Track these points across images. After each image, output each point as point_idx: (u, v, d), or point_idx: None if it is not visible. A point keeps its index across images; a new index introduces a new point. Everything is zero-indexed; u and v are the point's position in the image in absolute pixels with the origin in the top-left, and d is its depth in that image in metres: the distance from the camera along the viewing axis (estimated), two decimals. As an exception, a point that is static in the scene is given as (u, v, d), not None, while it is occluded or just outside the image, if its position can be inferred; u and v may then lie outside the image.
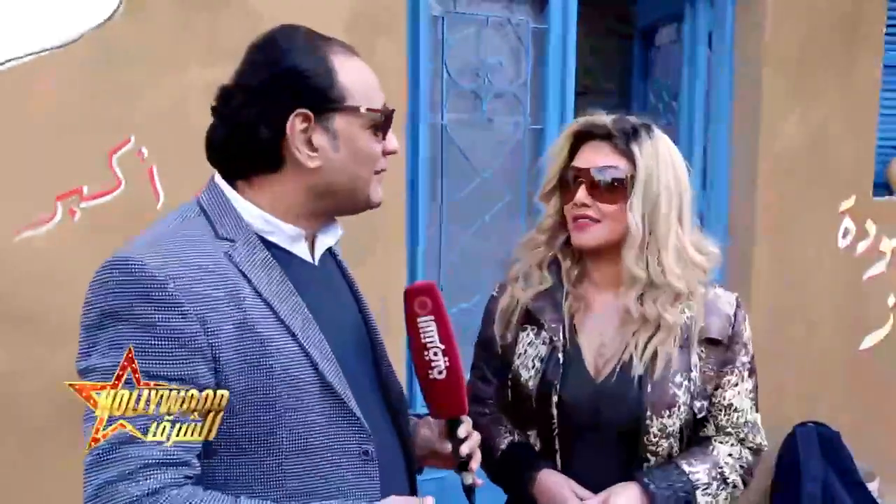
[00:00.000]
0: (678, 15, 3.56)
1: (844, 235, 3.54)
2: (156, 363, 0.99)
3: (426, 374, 1.23)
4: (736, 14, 3.39)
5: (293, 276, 1.13)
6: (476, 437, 1.29)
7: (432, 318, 1.22)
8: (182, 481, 0.99)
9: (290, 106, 1.09)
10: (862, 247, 3.59)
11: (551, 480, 1.42)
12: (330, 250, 1.26)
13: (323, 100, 1.10)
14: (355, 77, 1.13)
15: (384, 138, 1.17)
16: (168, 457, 0.99)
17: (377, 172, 1.18)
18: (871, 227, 3.59)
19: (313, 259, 1.20)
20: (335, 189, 1.15)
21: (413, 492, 1.30)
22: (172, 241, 1.06)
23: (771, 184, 3.36)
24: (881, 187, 3.72)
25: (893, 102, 3.72)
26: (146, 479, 0.97)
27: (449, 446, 1.27)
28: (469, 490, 1.26)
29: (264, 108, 1.09)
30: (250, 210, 1.12)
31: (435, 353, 1.22)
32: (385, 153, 1.18)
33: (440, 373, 1.22)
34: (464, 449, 1.25)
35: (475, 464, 1.27)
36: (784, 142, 3.36)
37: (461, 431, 1.26)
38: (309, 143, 1.10)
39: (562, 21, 3.08)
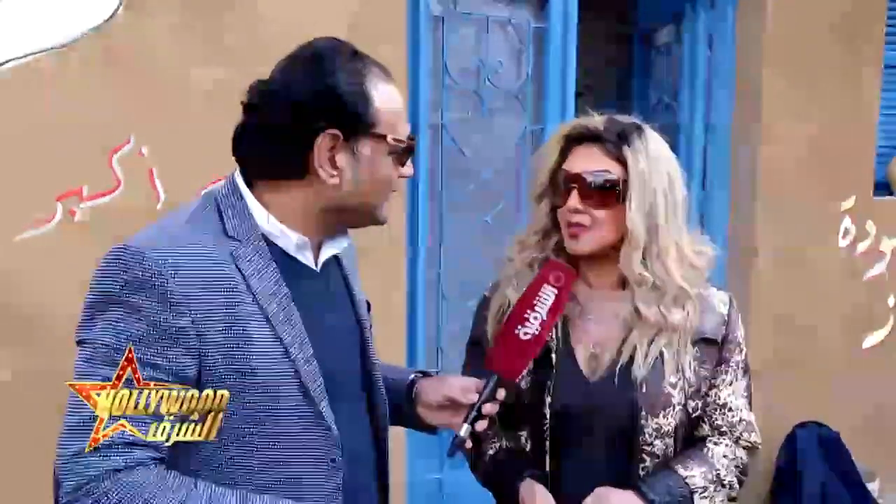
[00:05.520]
0: (678, 15, 3.57)
1: (844, 235, 3.54)
2: (145, 350, 1.03)
3: (513, 329, 1.31)
4: (736, 14, 3.40)
5: (292, 280, 1.15)
6: (496, 406, 1.32)
7: (556, 292, 1.31)
8: (148, 461, 1.03)
9: (322, 124, 1.11)
10: (862, 247, 3.59)
11: (537, 491, 1.40)
12: (336, 257, 1.28)
13: (354, 124, 1.13)
14: (387, 105, 1.15)
15: (403, 165, 1.20)
16: (138, 438, 1.02)
17: (390, 193, 1.22)
18: (871, 227, 3.59)
19: (316, 265, 1.22)
20: (347, 207, 1.18)
21: (385, 498, 1.34)
22: (178, 234, 1.09)
23: (771, 184, 3.36)
24: (881, 187, 3.73)
25: (893, 102, 3.73)
26: (115, 456, 1.01)
27: (475, 398, 1.29)
28: (458, 444, 1.28)
29: (297, 121, 1.11)
30: (261, 213, 1.15)
31: (535, 318, 1.30)
32: (400, 177, 1.21)
33: (526, 335, 1.30)
34: (486, 407, 1.28)
35: (481, 426, 1.29)
36: (784, 142, 3.36)
37: (500, 393, 1.30)
38: (332, 161, 1.13)
39: (562, 21, 3.08)
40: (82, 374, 1.03)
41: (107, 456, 1.00)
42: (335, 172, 1.13)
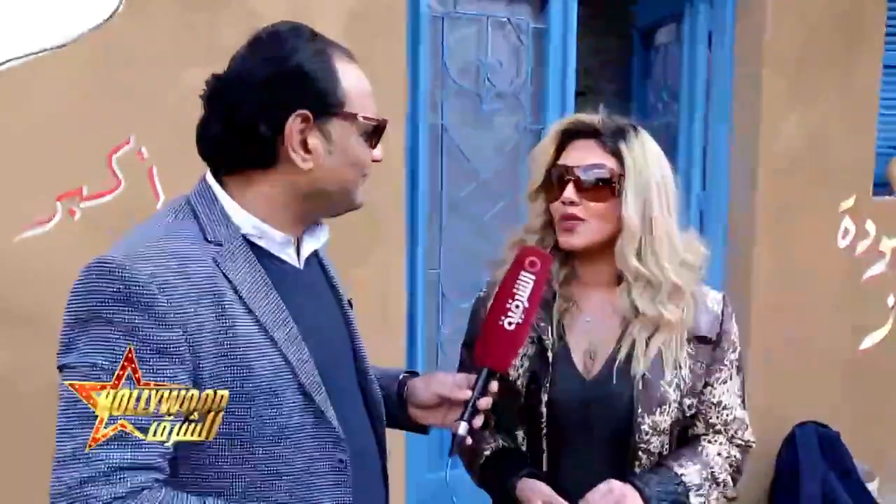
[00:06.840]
0: (678, 15, 3.57)
1: (844, 235, 3.54)
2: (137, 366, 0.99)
3: (496, 320, 1.30)
4: (736, 14, 3.40)
5: (278, 280, 1.12)
6: (490, 400, 1.31)
7: (534, 278, 1.30)
8: (152, 484, 0.99)
9: (291, 105, 1.08)
10: (862, 247, 3.59)
11: (535, 485, 1.40)
12: (315, 253, 1.25)
13: (324, 103, 1.10)
14: (355, 84, 1.13)
15: (374, 147, 1.18)
16: (139, 461, 0.98)
17: (362, 177, 1.19)
18: (871, 227, 3.59)
19: (299, 262, 1.20)
20: (323, 191, 1.15)
21: (386, 495, 1.32)
22: (159, 244, 1.04)
23: (771, 184, 3.36)
24: (881, 187, 3.73)
25: (893, 102, 3.73)
26: (118, 482, 0.96)
27: (468, 394, 1.28)
28: (460, 443, 1.27)
29: (265, 104, 1.08)
30: (240, 214, 1.12)
31: (516, 306, 1.29)
32: (373, 161, 1.19)
33: (510, 324, 1.29)
34: (482, 402, 1.27)
35: (478, 422, 1.28)
36: (784, 142, 3.36)
37: (493, 386, 1.29)
38: (304, 144, 1.10)
39: (562, 21, 3.08)
40: (70, 402, 0.97)
41: (110, 483, 0.95)
42: (308, 156, 1.10)
